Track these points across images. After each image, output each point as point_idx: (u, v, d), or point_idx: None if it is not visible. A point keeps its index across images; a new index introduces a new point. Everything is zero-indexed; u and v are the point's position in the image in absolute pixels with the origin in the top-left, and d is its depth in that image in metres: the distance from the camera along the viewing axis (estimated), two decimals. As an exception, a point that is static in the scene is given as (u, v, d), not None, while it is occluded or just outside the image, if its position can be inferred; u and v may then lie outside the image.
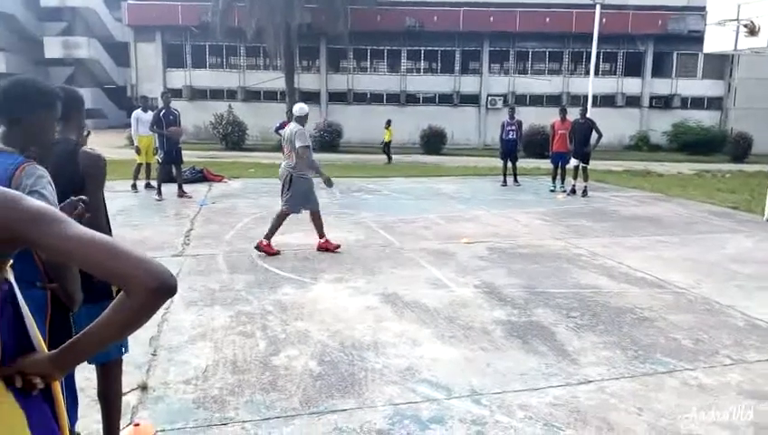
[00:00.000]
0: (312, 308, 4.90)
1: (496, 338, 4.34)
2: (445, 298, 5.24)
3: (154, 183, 11.99)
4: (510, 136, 13.14)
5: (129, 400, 3.33)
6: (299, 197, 6.91)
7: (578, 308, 5.03)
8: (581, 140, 12.04)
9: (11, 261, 1.20)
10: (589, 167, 12.30)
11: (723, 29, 8.81)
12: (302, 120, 7.05)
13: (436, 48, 29.37)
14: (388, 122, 20.39)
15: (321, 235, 7.03)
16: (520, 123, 13.34)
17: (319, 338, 4.26)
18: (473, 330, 4.49)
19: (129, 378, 3.55)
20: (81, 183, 2.47)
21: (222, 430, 3.06)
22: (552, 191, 12.61)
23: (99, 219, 2.50)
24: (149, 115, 11.60)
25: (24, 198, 1.14)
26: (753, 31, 8.18)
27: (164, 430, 3.04)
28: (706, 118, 28.62)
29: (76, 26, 39.47)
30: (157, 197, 10.56)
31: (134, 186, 11.63)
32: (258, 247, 6.67)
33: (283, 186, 7.02)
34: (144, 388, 3.47)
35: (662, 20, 27.77)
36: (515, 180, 13.52)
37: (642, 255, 7.00)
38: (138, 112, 11.80)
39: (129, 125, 12.26)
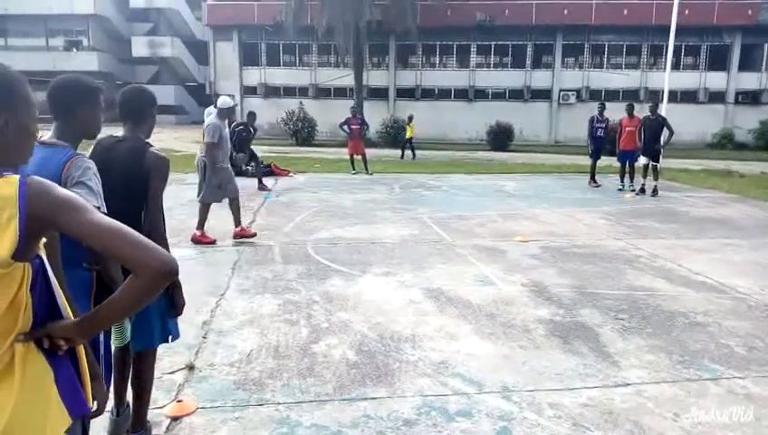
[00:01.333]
0: (357, 300, 5.04)
1: (536, 337, 4.31)
2: (489, 295, 5.23)
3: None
4: (599, 134, 12.74)
5: (175, 378, 3.58)
6: (212, 187, 7.00)
7: (627, 310, 4.89)
8: (652, 137, 11.56)
9: (44, 240, 1.38)
10: (660, 165, 11.78)
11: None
12: (222, 113, 6.98)
13: (507, 42, 28.94)
14: (410, 118, 20.00)
15: (238, 222, 7.16)
16: (608, 121, 12.90)
17: (359, 329, 4.38)
18: (513, 328, 4.48)
19: (178, 358, 3.83)
20: (145, 182, 2.69)
21: (257, 410, 3.24)
22: (619, 190, 12.19)
23: (157, 214, 2.72)
24: None
25: (55, 188, 1.32)
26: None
27: (204, 408, 3.25)
28: (800, 114, 26.67)
29: (161, 26, 41.63)
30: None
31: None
32: (193, 240, 6.89)
33: (201, 176, 7.15)
34: (191, 368, 3.71)
35: (752, 10, 26.09)
36: (593, 179, 13.05)
37: (706, 257, 6.69)
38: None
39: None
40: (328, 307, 4.85)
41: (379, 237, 7.46)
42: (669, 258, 6.64)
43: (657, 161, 11.71)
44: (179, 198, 10.10)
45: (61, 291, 1.44)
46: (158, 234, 2.65)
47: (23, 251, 1.26)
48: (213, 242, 6.98)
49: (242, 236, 7.14)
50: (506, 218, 8.96)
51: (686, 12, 21.55)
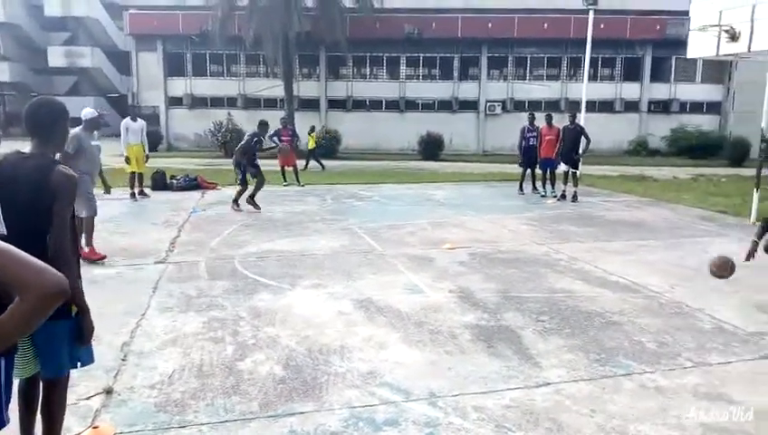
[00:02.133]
0: (286, 314, 4.98)
1: (462, 342, 4.40)
2: (418, 303, 5.30)
3: (147, 191, 12.13)
4: (531, 143, 13.02)
5: (92, 404, 3.42)
6: (86, 198, 6.61)
7: (548, 312, 5.08)
8: (570, 145, 12.08)
9: None
10: (579, 172, 12.34)
11: (705, 34, 8.87)
12: (87, 124, 6.72)
13: (435, 55, 29.54)
14: (312, 128, 20.21)
15: (89, 242, 6.67)
16: (539, 129, 13.13)
17: (287, 343, 4.33)
18: (440, 334, 4.55)
19: (95, 382, 3.66)
20: (51, 200, 2.49)
21: (179, 432, 3.14)
22: (542, 197, 12.67)
23: (64, 235, 2.52)
24: (139, 124, 11.74)
25: None
26: (733, 36, 8.25)
27: (122, 433, 3.11)
28: (705, 122, 28.65)
29: (79, 36, 39.90)
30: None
31: (133, 195, 11.59)
32: (83, 257, 6.45)
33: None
34: (109, 392, 3.55)
35: (660, 25, 27.86)
36: (534, 187, 13.39)
37: (622, 259, 7.05)
38: (127, 121, 11.71)
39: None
40: (255, 323, 4.77)
41: (309, 250, 7.42)
42: (587, 260, 6.96)
43: (576, 168, 12.25)
44: (101, 214, 9.68)
45: None
46: (64, 255, 2.48)
47: None
48: (103, 258, 6.63)
49: (90, 258, 6.50)
50: (436, 227, 9.12)
51: (602, 26, 22.70)
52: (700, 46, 9.25)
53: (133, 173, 11.72)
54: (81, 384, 3.63)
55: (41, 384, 2.75)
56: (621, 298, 5.51)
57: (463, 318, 4.91)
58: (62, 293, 1.23)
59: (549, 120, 12.72)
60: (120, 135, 11.88)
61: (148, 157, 12.00)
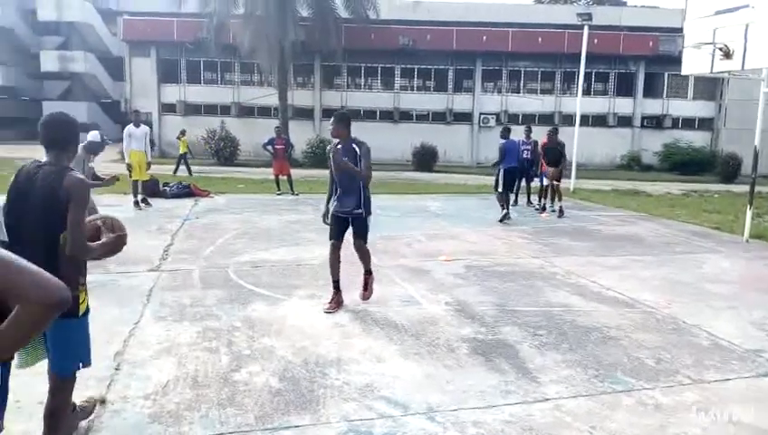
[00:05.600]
0: (281, 325, 4.93)
1: (460, 355, 4.37)
2: (415, 315, 5.27)
3: (146, 198, 11.93)
4: (525, 156, 13.01)
5: (84, 414, 3.34)
6: None
7: (545, 326, 5.06)
8: (553, 160, 12.08)
9: None
10: (561, 185, 12.36)
11: (699, 52, 8.97)
12: (89, 147, 7.06)
13: (430, 66, 29.68)
14: (182, 132, 20.31)
15: None
16: (536, 143, 13.14)
17: (283, 354, 4.28)
18: (438, 347, 4.52)
19: (89, 392, 3.58)
20: (63, 204, 2.59)
21: (174, 445, 3.08)
22: (536, 210, 12.66)
23: (80, 237, 2.60)
24: (142, 130, 11.48)
25: None
26: (727, 54, 8.34)
27: (115, 445, 3.05)
28: (698, 138, 28.93)
29: (73, 41, 39.78)
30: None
31: (137, 203, 11.38)
32: None
33: None
34: (102, 402, 3.48)
35: (653, 41, 28.15)
36: (529, 201, 13.39)
37: (617, 274, 7.05)
38: (130, 128, 11.44)
39: (123, 139, 11.61)
40: (250, 333, 4.71)
41: (304, 259, 7.37)
42: (583, 275, 6.96)
43: (559, 181, 12.22)
44: (92, 221, 9.59)
45: None
46: (82, 251, 2.60)
47: None
48: None
49: None
50: (431, 238, 9.10)
51: (596, 41, 22.95)
52: (694, 63, 9.33)
53: (135, 181, 11.43)
54: (75, 393, 3.55)
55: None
56: (618, 313, 5.50)
57: (460, 331, 4.88)
58: (63, 302, 1.20)
59: (528, 132, 12.97)
60: (119, 141, 11.69)
61: (150, 164, 11.73)
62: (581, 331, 4.98)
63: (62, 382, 2.75)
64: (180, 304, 5.43)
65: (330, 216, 5.58)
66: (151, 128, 28.04)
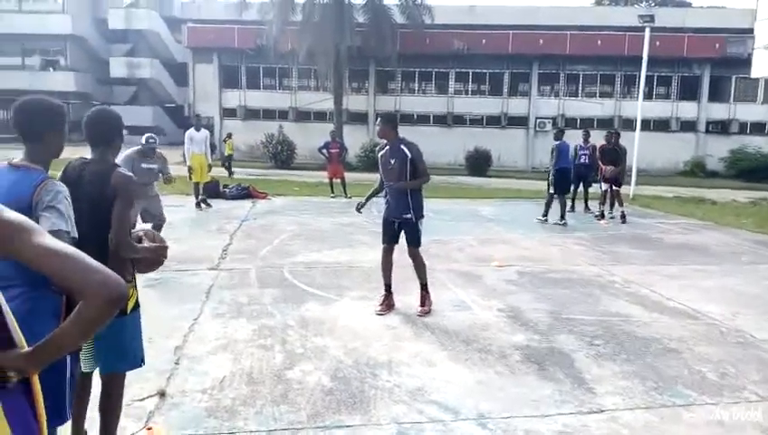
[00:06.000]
0: (333, 325, 4.99)
1: (513, 363, 4.31)
2: (466, 320, 5.23)
3: (206, 199, 12.26)
4: (582, 160, 12.70)
5: (146, 405, 3.49)
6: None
7: (602, 336, 4.93)
8: (612, 163, 11.73)
9: None
10: (621, 190, 11.98)
11: (772, 53, 8.55)
12: (141, 150, 7.13)
13: (485, 70, 29.44)
14: (229, 135, 20.90)
15: None
16: (594, 148, 12.70)
17: (335, 354, 4.34)
18: (490, 353, 4.47)
19: (149, 384, 3.74)
20: (111, 200, 2.65)
21: (229, 438, 3.17)
22: (596, 217, 12.31)
23: (125, 233, 2.66)
24: (202, 134, 11.85)
25: (2, 211, 1.28)
26: (803, 55, 7.91)
27: (174, 436, 3.17)
28: (767, 144, 27.48)
29: (140, 47, 41.52)
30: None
31: (198, 204, 11.70)
32: None
33: None
34: (162, 394, 3.62)
35: (719, 43, 26.99)
36: (587, 207, 13.06)
37: (679, 284, 6.79)
38: (191, 131, 11.81)
39: (184, 142, 12.07)
40: (303, 332, 4.80)
41: (357, 261, 7.44)
42: (643, 284, 6.73)
43: (619, 187, 11.87)
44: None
45: (13, 319, 1.40)
46: (125, 248, 2.63)
47: None
48: None
49: None
50: (483, 243, 9.01)
51: (658, 43, 22.19)
52: (766, 65, 8.89)
53: (196, 183, 11.76)
54: (135, 385, 3.72)
55: (92, 381, 2.87)
56: (680, 324, 5.29)
57: (512, 338, 4.82)
58: (122, 297, 1.25)
59: (586, 135, 12.54)
60: (182, 144, 12.12)
61: (210, 166, 12.09)
62: (640, 342, 4.82)
63: (113, 381, 2.81)
64: (237, 302, 5.59)
65: (382, 219, 5.62)
66: (212, 132, 29.06)
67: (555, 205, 11.17)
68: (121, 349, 2.76)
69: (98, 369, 2.82)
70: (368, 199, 5.72)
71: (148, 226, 6.30)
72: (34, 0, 39.73)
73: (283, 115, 29.65)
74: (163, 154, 7.21)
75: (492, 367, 4.22)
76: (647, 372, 4.19)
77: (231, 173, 19.24)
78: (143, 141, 7.15)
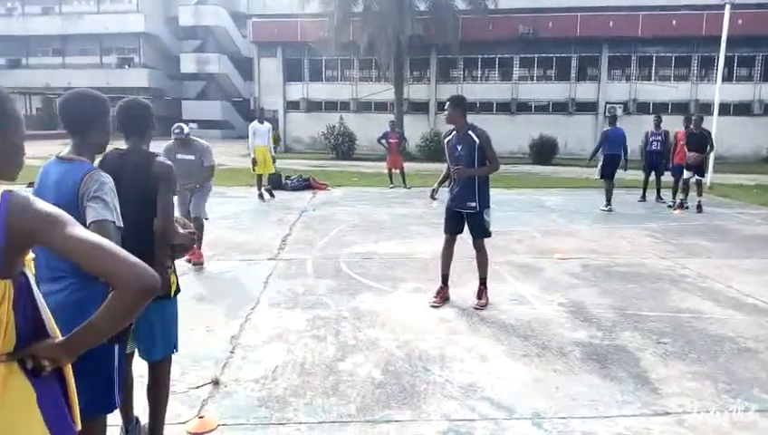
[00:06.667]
0: (387, 317, 4.95)
1: (572, 360, 4.13)
2: (524, 315, 5.06)
3: (271, 190, 12.44)
4: (654, 147, 12.18)
5: (200, 393, 3.56)
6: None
7: (671, 334, 4.64)
8: (697, 151, 11.08)
9: (30, 255, 1.36)
10: (704, 180, 11.30)
11: None
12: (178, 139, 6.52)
13: (551, 55, 28.54)
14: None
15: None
16: (666, 134, 12.18)
17: (387, 347, 4.29)
18: (548, 350, 4.30)
19: (205, 372, 3.82)
20: (154, 189, 2.71)
21: (278, 429, 3.18)
22: (669, 207, 11.70)
23: (170, 217, 2.74)
24: (265, 126, 12.08)
25: (36, 202, 1.30)
26: None
27: (226, 425, 3.21)
28: None
29: (208, 43, 42.89)
30: None
31: (261, 195, 11.92)
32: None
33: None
34: (216, 383, 3.69)
35: (810, 18, 24.95)
36: (659, 196, 12.44)
37: (758, 279, 6.32)
38: (254, 124, 11.99)
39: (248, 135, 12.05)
40: (356, 323, 4.78)
41: (413, 253, 7.37)
42: (717, 278, 6.32)
43: (702, 176, 11.24)
44: (221, 212, 10.25)
45: (47, 309, 1.41)
46: (170, 235, 2.70)
47: (3, 267, 1.24)
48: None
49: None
50: (545, 234, 8.72)
51: (739, 21, 20.82)
52: None
53: (259, 175, 11.98)
54: (192, 373, 3.82)
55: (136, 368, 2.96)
56: (757, 323, 4.92)
57: (573, 334, 4.62)
58: (155, 287, 1.26)
59: (687, 123, 11.69)
60: (247, 137, 12.42)
61: (274, 159, 12.33)
62: (713, 340, 4.51)
63: (159, 367, 2.87)
64: (294, 292, 5.64)
65: (445, 209, 5.50)
66: (277, 125, 29.67)
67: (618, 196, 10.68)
68: (160, 334, 2.82)
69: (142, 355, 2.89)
70: (439, 185, 5.59)
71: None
72: (111, 1, 41.72)
73: (344, 106, 29.86)
74: (204, 144, 6.71)
75: (550, 364, 4.05)
76: (719, 374, 3.91)
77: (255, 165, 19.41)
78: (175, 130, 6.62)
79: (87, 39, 41.11)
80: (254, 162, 11.90)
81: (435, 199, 5.70)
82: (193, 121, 40.66)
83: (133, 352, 2.88)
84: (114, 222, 2.09)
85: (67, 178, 2.12)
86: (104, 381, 2.21)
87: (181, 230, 2.86)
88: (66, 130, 2.24)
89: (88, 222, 2.05)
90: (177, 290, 2.91)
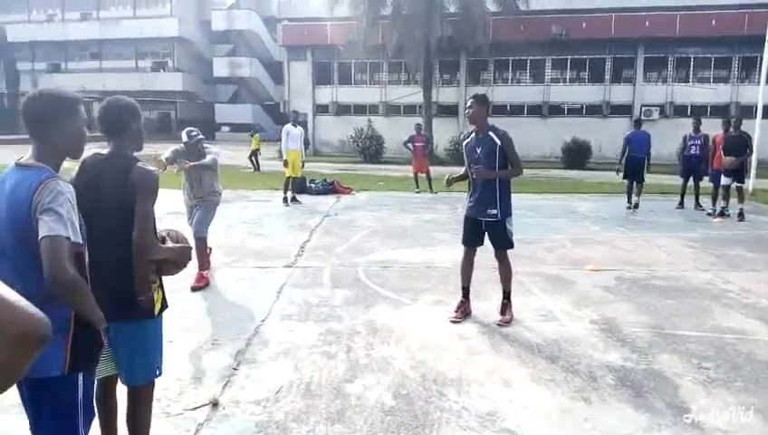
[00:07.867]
0: (402, 332, 4.64)
1: (603, 387, 3.75)
2: (552, 333, 4.69)
3: (296, 196, 12.25)
4: (693, 151, 11.61)
5: (197, 416, 3.31)
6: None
7: (713, 357, 4.23)
8: (733, 154, 10.47)
9: None
10: (744, 186, 10.68)
11: None
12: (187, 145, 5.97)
13: (584, 56, 27.87)
14: (256, 130, 20.89)
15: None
16: (706, 137, 11.57)
17: (401, 367, 3.98)
18: (577, 374, 3.93)
19: (205, 391, 3.58)
20: (132, 197, 2.46)
21: (275, 460, 2.91)
22: (708, 215, 11.09)
23: (147, 230, 2.49)
24: (298, 130, 11.95)
25: None
26: None
27: (219, 454, 2.96)
28: None
29: (240, 47, 43.33)
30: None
31: (285, 199, 11.76)
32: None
33: None
34: (215, 404, 3.44)
35: None
36: (697, 203, 11.81)
37: (811, 296, 5.82)
38: (288, 127, 11.88)
39: (281, 138, 12.01)
40: (370, 339, 4.48)
41: (435, 262, 7.04)
42: (763, 294, 5.83)
43: (742, 182, 10.63)
44: (242, 216, 10.12)
45: None
46: (147, 250, 2.45)
47: None
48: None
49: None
50: (577, 244, 8.29)
51: (784, 20, 19.88)
52: None
53: (288, 178, 11.78)
54: (191, 392, 3.58)
55: (117, 394, 2.70)
56: (813, 347, 4.46)
57: (606, 356, 4.23)
58: (41, 338, 1.01)
59: (726, 126, 11.08)
60: (279, 140, 12.31)
61: (304, 163, 12.16)
62: (762, 366, 4.08)
63: (142, 392, 2.64)
64: (307, 302, 5.38)
65: (464, 217, 5.17)
66: (306, 128, 29.66)
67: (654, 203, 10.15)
68: (141, 357, 2.56)
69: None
70: (456, 179, 5.25)
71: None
72: (147, 6, 42.47)
73: (373, 110, 29.66)
74: (213, 149, 6.17)
75: (579, 391, 3.68)
76: (770, 407, 3.49)
77: (257, 168, 19.42)
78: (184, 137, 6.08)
79: (123, 43, 41.93)
80: (286, 164, 11.78)
81: (450, 184, 5.32)
82: (225, 125, 41.15)
83: (116, 375, 2.64)
84: (69, 237, 1.83)
85: (20, 188, 1.88)
86: (64, 418, 1.96)
87: (169, 244, 2.61)
88: (27, 132, 2.00)
89: (39, 237, 1.80)
90: (163, 308, 2.65)
